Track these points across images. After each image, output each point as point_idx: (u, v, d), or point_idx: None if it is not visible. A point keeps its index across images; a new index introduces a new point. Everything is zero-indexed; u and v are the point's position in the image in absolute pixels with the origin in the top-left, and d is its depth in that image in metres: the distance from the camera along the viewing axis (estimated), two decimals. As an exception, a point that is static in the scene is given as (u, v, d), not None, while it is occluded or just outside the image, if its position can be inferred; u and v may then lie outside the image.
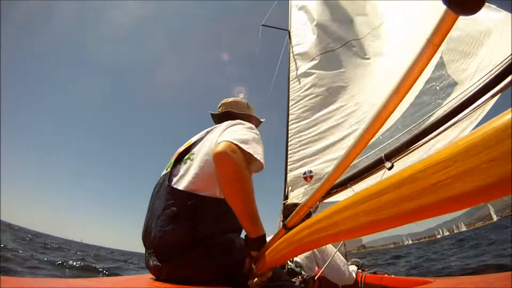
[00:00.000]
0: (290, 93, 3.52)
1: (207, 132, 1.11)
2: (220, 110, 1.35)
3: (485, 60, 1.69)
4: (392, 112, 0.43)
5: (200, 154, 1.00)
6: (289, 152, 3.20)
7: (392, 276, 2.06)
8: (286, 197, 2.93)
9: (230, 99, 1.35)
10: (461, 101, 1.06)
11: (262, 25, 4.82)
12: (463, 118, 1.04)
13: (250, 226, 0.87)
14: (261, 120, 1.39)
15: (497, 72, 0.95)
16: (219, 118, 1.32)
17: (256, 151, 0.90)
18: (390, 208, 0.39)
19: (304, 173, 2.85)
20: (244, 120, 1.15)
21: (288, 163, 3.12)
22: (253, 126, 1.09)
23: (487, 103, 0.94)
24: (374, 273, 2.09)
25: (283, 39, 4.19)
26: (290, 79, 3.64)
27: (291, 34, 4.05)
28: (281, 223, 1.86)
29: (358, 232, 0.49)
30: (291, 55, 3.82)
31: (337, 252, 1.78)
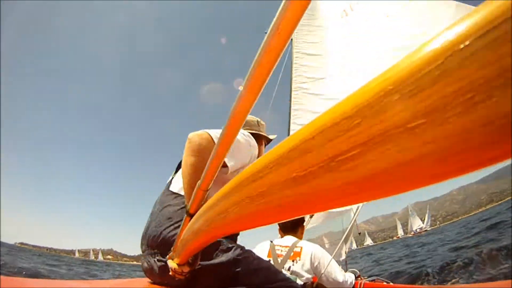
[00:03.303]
0: (292, 102, 3.55)
1: None
2: None
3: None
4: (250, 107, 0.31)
5: None
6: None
7: (391, 284, 2.03)
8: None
9: None
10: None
11: (266, 32, 5.01)
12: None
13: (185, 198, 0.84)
14: (271, 137, 1.32)
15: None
16: None
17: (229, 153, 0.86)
18: (275, 194, 0.25)
19: None
20: (253, 140, 1.11)
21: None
22: (249, 136, 1.05)
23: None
24: (373, 281, 2.05)
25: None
26: (293, 89, 3.64)
27: (294, 41, 4.01)
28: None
29: (249, 224, 0.35)
30: (293, 65, 3.83)
31: (332, 259, 1.70)
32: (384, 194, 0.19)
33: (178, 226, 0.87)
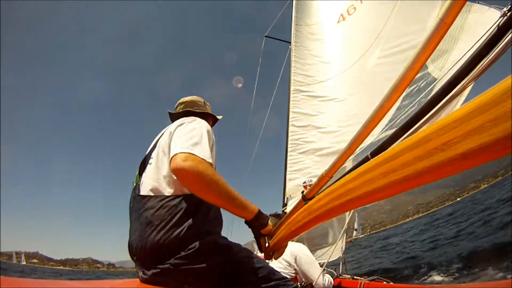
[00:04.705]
0: (291, 104, 3.65)
1: (161, 135, 1.12)
2: (178, 109, 1.38)
3: (460, 54, 1.80)
4: (409, 83, 0.48)
5: (156, 158, 1.05)
6: (288, 162, 3.35)
7: (391, 283, 2.08)
8: (285, 205, 3.11)
9: (188, 98, 1.38)
10: (433, 96, 1.08)
11: (266, 36, 5.30)
12: (440, 109, 1.07)
13: (241, 212, 0.91)
14: (218, 117, 1.41)
15: (467, 63, 0.97)
16: (177, 117, 1.32)
17: (204, 152, 0.91)
18: (405, 168, 0.44)
19: (304, 182, 2.98)
20: (201, 118, 1.16)
21: (288, 173, 3.29)
22: (201, 120, 1.11)
23: (459, 95, 0.82)
24: (373, 280, 2.11)
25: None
26: (291, 92, 3.74)
27: (292, 46, 4.17)
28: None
29: (376, 195, 0.52)
30: (292, 68, 3.94)
31: (311, 257, 1.75)
32: (466, 166, 0.39)
33: (162, 229, 0.90)
